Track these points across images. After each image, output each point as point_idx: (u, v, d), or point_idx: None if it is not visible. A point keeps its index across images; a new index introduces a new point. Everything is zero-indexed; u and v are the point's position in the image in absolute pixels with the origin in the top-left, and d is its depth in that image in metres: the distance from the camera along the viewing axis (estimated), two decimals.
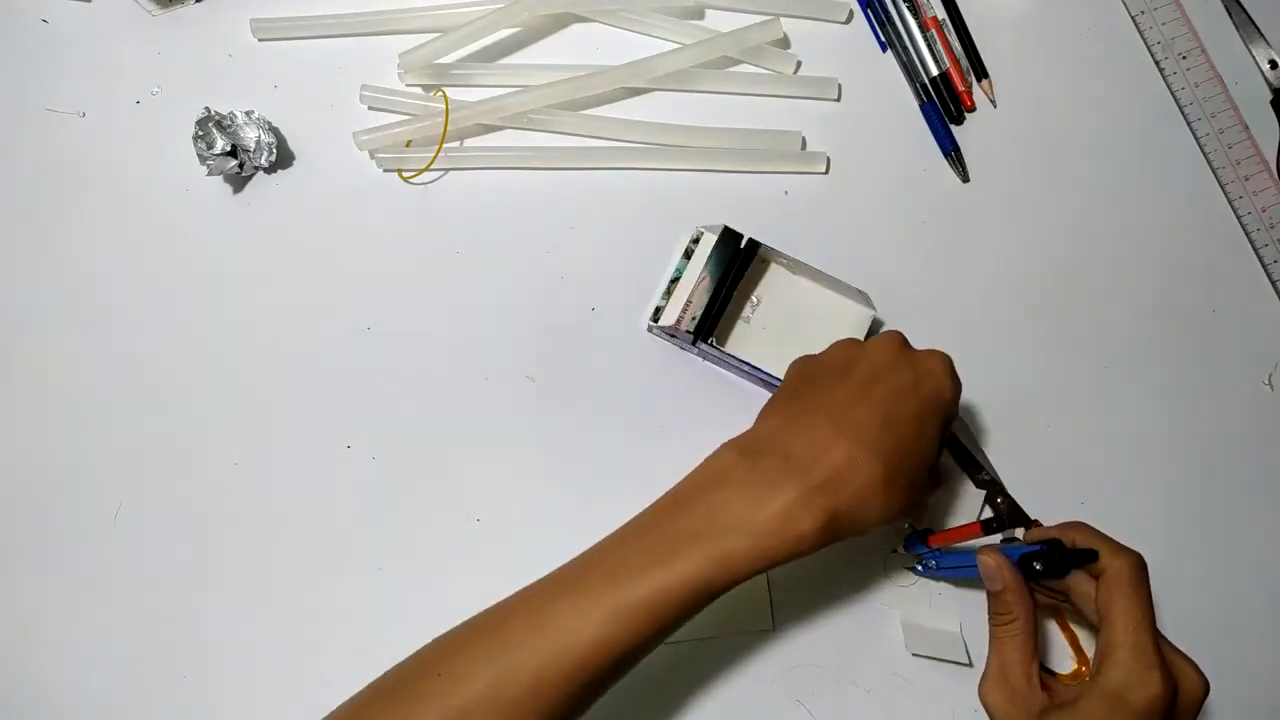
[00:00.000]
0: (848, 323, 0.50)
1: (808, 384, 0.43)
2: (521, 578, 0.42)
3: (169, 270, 0.51)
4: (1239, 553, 0.52)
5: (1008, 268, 0.54)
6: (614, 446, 0.50)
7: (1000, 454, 0.51)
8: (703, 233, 0.51)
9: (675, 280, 0.51)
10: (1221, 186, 0.55)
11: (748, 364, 0.48)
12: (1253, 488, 0.52)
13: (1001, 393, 0.52)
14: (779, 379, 0.47)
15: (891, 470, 0.39)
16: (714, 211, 0.52)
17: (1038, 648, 0.40)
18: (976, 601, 0.49)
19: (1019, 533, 0.45)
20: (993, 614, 0.41)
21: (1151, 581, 0.50)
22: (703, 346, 0.48)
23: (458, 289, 0.51)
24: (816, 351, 0.45)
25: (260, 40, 0.53)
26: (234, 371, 0.50)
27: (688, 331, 0.47)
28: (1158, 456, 0.52)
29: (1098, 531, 0.41)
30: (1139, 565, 0.39)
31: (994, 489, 0.51)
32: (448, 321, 0.51)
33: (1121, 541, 0.40)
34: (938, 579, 0.50)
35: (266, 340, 0.50)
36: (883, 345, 0.42)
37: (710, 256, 0.48)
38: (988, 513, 0.47)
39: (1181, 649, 0.39)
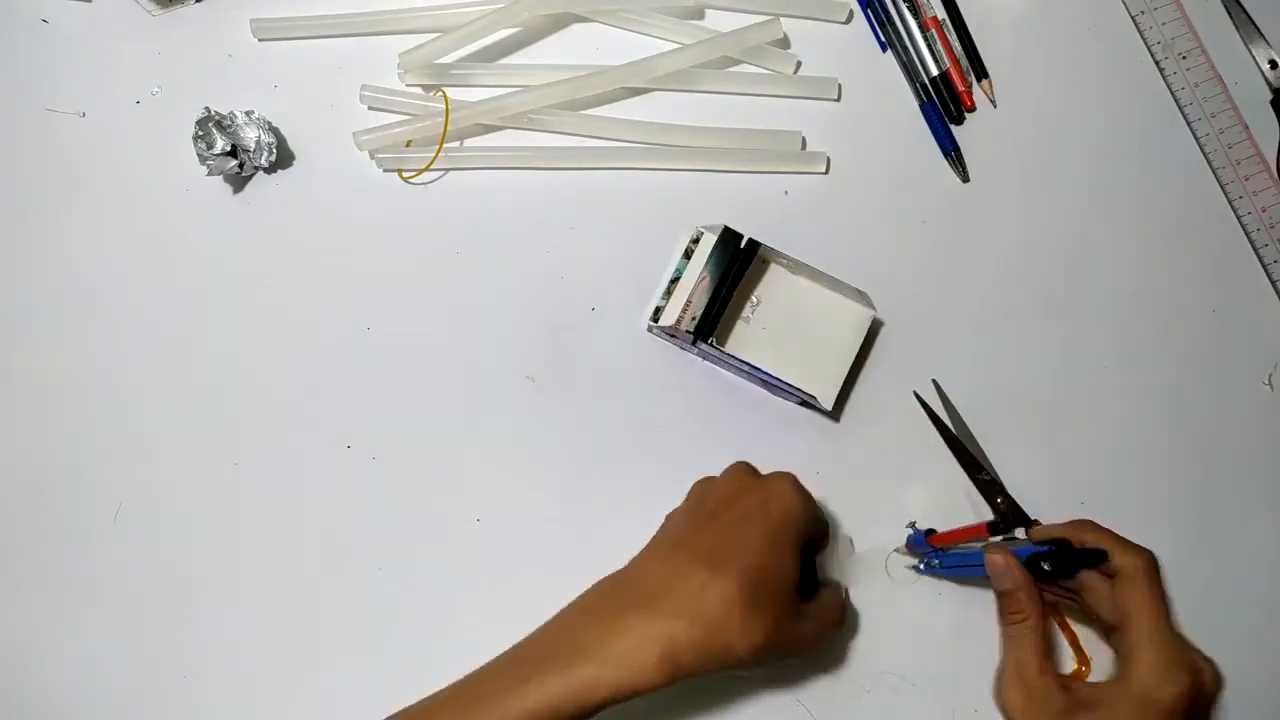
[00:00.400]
0: (848, 323, 0.50)
1: (671, 524, 0.44)
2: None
3: (169, 270, 0.51)
4: (1239, 552, 0.52)
5: (1008, 268, 0.54)
6: (614, 446, 0.50)
7: (1000, 454, 0.51)
8: (703, 233, 0.51)
9: (675, 280, 0.51)
10: (1221, 186, 0.55)
11: (748, 364, 0.48)
12: (1253, 488, 0.52)
13: (1002, 392, 0.52)
14: (779, 379, 0.47)
15: (747, 594, 0.38)
16: (714, 211, 0.52)
17: (1050, 646, 0.40)
18: (978, 600, 0.49)
19: (1020, 533, 0.45)
20: (1003, 613, 0.41)
21: None
22: (703, 346, 0.48)
23: (458, 289, 0.51)
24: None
25: (260, 40, 0.53)
26: (234, 371, 0.50)
27: (688, 331, 0.47)
28: (1158, 456, 0.52)
29: (1107, 530, 0.41)
30: (1152, 562, 0.39)
31: (994, 489, 0.51)
32: (448, 321, 0.51)
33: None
34: (940, 578, 0.50)
35: (266, 340, 0.50)
36: (729, 475, 0.44)
37: (710, 256, 0.48)
38: (990, 513, 0.47)
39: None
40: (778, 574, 0.40)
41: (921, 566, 0.49)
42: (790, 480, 0.43)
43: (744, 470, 0.44)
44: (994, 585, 0.42)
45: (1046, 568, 0.40)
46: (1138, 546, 0.39)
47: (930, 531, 0.47)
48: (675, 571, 0.39)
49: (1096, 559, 0.39)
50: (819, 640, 0.44)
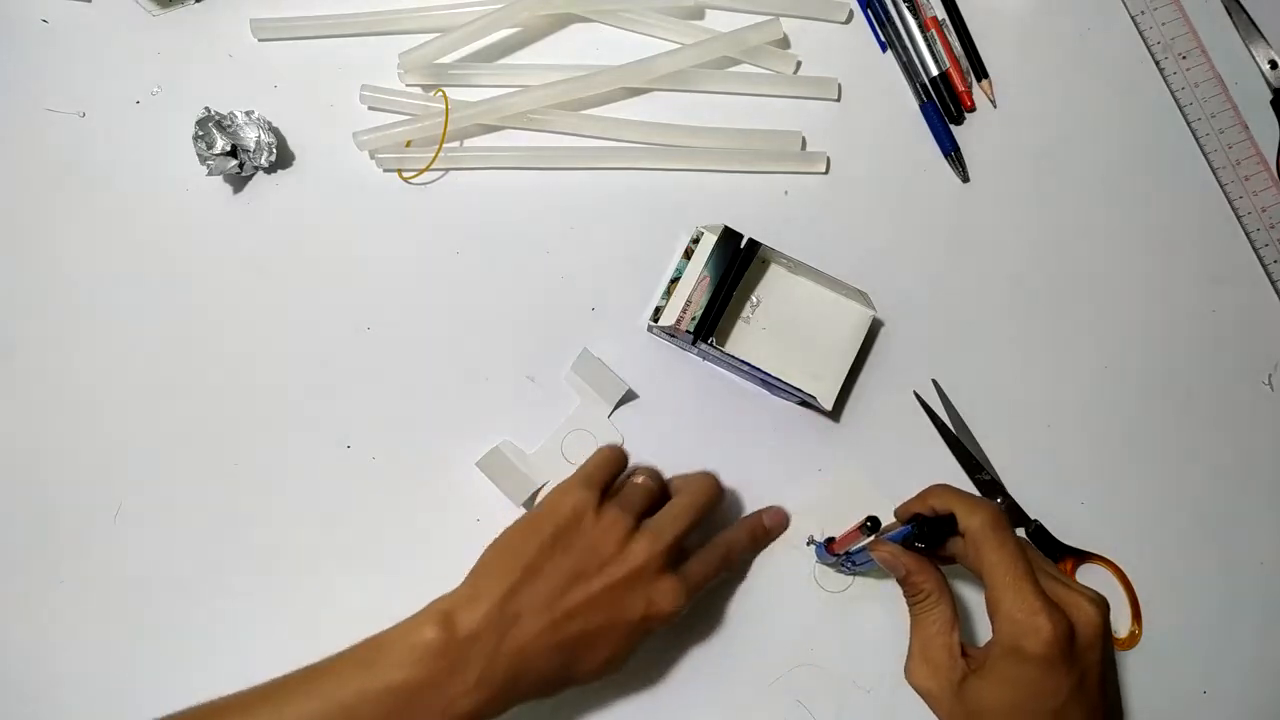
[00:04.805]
0: (848, 323, 0.50)
1: (522, 555, 0.42)
2: None
3: (169, 270, 0.51)
4: (1239, 552, 0.52)
5: (1008, 268, 0.54)
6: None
7: (1000, 454, 0.51)
8: (703, 233, 0.51)
9: (675, 280, 0.51)
10: (1221, 186, 0.55)
11: (748, 364, 0.48)
12: (1253, 487, 0.52)
13: (1002, 393, 0.52)
14: (779, 379, 0.47)
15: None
16: (714, 211, 0.52)
17: (957, 620, 0.39)
18: None
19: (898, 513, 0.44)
20: (907, 598, 0.41)
21: (1150, 581, 0.51)
22: (703, 346, 0.48)
23: (458, 289, 0.51)
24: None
25: (260, 40, 0.53)
26: (233, 371, 0.50)
27: (688, 331, 0.47)
28: (1158, 456, 0.52)
29: (954, 491, 0.40)
30: (995, 515, 0.38)
31: (994, 489, 0.51)
32: (448, 321, 0.51)
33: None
34: (865, 574, 0.49)
35: (266, 340, 0.50)
36: (635, 542, 0.42)
37: (710, 256, 0.48)
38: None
39: (1083, 588, 0.38)
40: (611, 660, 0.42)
41: (845, 568, 0.48)
42: (678, 592, 0.42)
43: (647, 544, 0.42)
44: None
45: (920, 546, 0.40)
46: (981, 502, 0.39)
47: (830, 540, 0.47)
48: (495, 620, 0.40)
49: (950, 525, 0.39)
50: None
